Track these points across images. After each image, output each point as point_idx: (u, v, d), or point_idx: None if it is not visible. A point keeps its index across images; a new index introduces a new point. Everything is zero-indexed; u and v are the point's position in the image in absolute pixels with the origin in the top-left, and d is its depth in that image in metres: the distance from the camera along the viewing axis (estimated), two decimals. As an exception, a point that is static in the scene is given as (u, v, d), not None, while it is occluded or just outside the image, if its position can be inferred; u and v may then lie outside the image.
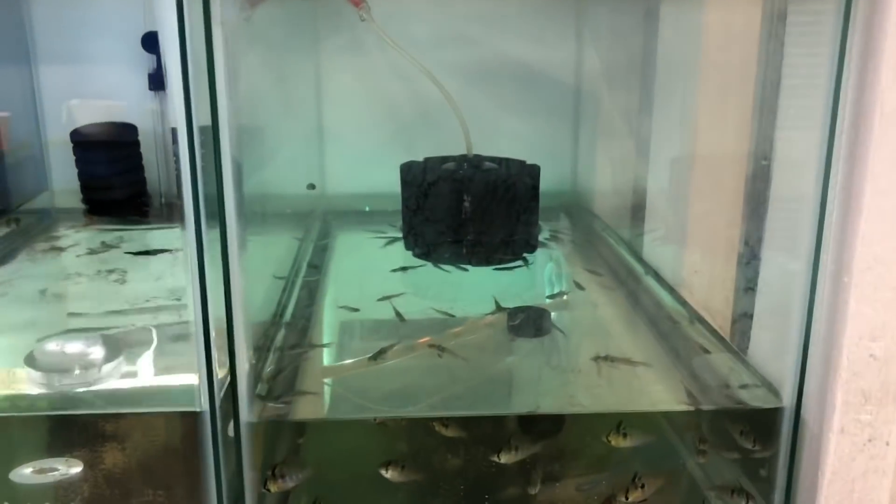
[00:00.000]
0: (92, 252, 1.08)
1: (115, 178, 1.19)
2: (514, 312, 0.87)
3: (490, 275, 1.02)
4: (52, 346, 0.81)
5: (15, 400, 0.73)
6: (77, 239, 1.13)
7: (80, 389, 0.75)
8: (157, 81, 1.21)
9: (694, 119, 0.89)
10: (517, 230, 1.06)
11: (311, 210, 1.23)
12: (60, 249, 1.09)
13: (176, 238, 1.13)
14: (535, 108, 1.27)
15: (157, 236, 1.16)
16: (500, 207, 1.05)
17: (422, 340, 0.82)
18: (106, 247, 1.10)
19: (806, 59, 0.67)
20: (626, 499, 0.63)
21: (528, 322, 0.85)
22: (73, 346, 0.81)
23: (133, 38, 1.19)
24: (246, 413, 0.61)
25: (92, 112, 1.23)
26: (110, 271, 1.01)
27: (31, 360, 0.78)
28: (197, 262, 0.58)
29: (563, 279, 1.02)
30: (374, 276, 1.04)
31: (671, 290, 0.90)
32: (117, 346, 0.81)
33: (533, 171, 1.07)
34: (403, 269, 1.04)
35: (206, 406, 0.59)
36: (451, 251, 1.04)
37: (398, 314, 0.86)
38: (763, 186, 0.75)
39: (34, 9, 1.20)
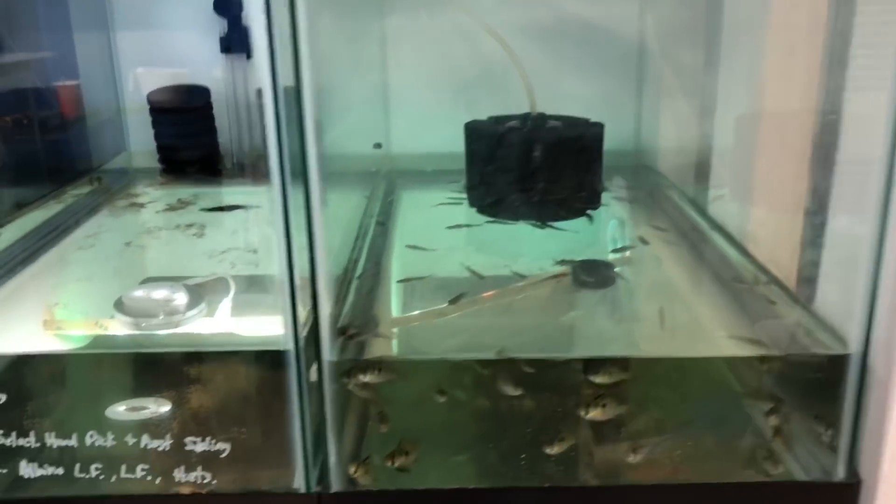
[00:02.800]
0: (170, 208, 1.13)
1: (190, 139, 1.23)
2: (579, 265, 0.88)
3: (553, 231, 1.03)
4: (139, 292, 0.86)
5: (106, 341, 0.77)
6: (155, 196, 1.18)
7: (164, 332, 0.80)
8: (228, 44, 1.25)
9: (761, 75, 0.89)
10: (581, 187, 1.08)
11: (377, 169, 1.26)
12: (140, 206, 1.14)
13: (248, 196, 1.18)
14: (597, 66, 1.27)
15: (229, 194, 1.20)
16: (564, 165, 1.06)
17: (488, 294, 0.85)
18: (182, 203, 1.15)
19: (878, 17, 0.67)
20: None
21: (594, 274, 0.87)
22: (159, 293, 0.86)
23: (205, 3, 1.23)
24: (328, 353, 0.64)
25: (158, 79, 1.27)
26: (189, 226, 1.05)
27: (119, 306, 0.83)
28: (283, 214, 0.61)
29: (626, 235, 1.04)
30: (438, 232, 1.06)
31: (737, 245, 0.91)
32: (200, 294, 0.86)
33: (597, 130, 1.09)
34: (465, 225, 1.07)
35: (291, 346, 0.63)
36: (516, 208, 1.06)
37: (475, 273, 0.88)
38: (831, 141, 0.75)
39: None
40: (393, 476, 0.66)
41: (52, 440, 0.63)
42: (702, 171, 1.06)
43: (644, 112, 1.26)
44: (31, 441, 0.63)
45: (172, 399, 0.69)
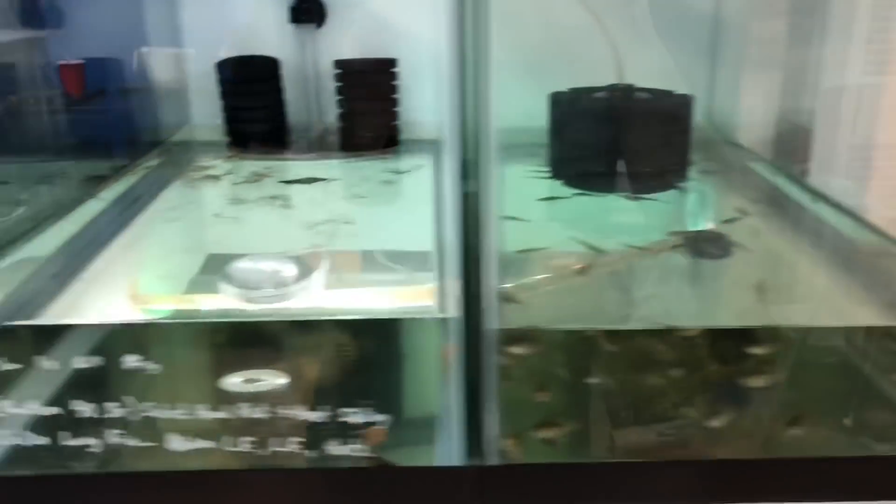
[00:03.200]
0: (247, 181, 1.10)
1: (259, 112, 1.20)
2: (695, 235, 0.87)
3: (644, 204, 1.02)
4: (246, 263, 0.83)
5: (220, 313, 0.75)
6: (227, 168, 1.15)
7: (277, 304, 0.78)
8: (298, 14, 1.21)
9: (884, 41, 0.87)
10: (671, 160, 1.06)
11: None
12: (216, 178, 1.11)
13: (319, 168, 1.15)
14: (667, 37, 1.25)
15: (300, 167, 1.17)
16: (655, 137, 1.04)
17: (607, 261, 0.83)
18: (258, 176, 1.12)
19: None
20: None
21: (712, 244, 0.85)
22: (267, 264, 0.84)
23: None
24: (489, 321, 0.62)
25: (165, 59, 1.24)
26: (272, 197, 1.03)
27: (227, 277, 0.81)
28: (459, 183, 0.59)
29: (722, 206, 1.02)
30: (526, 204, 1.04)
31: (851, 215, 0.89)
32: (307, 266, 0.83)
33: (686, 101, 1.07)
34: (556, 198, 1.05)
35: (452, 314, 0.61)
36: (606, 180, 1.04)
37: (593, 247, 0.86)
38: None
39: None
40: (542, 449, 0.64)
41: (204, 412, 0.60)
42: (795, 142, 1.05)
43: (719, 84, 1.24)
44: (180, 413, 0.61)
45: (319, 370, 0.67)
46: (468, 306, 0.63)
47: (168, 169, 1.15)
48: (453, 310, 0.61)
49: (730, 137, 1.21)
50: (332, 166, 1.19)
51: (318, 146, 1.25)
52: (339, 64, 1.20)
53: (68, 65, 1.12)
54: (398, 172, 1.15)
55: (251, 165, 1.17)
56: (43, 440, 0.61)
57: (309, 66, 1.23)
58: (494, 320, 0.61)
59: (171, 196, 1.05)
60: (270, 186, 1.08)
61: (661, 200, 1.03)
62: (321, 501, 0.63)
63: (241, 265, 0.83)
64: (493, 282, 0.61)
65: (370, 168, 1.18)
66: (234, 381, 0.73)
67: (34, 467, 0.61)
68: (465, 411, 0.62)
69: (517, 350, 0.62)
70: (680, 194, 1.04)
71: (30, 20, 1.18)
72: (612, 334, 0.64)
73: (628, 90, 1.08)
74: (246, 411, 0.61)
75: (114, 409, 0.60)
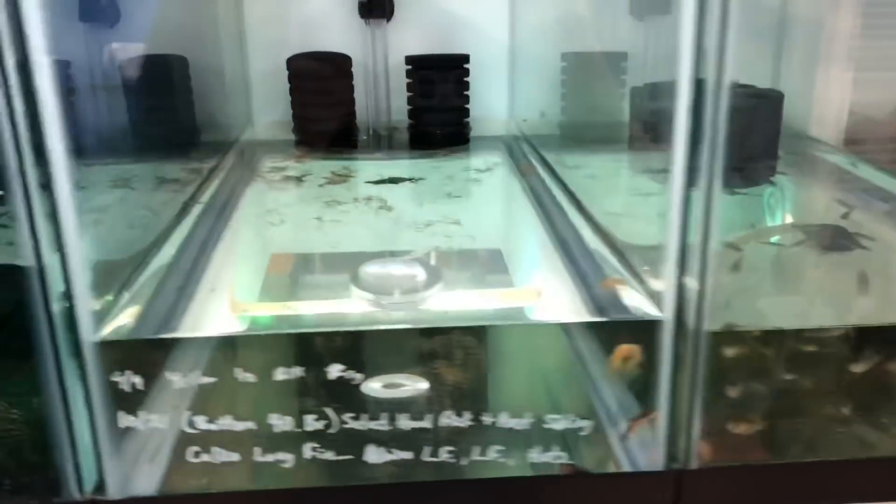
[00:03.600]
0: (330, 181, 1.07)
1: (331, 109, 1.17)
2: (819, 229, 0.87)
3: (740, 198, 1.01)
4: (375, 268, 0.81)
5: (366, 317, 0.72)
6: (303, 169, 1.12)
7: (411, 309, 0.75)
8: (368, 11, 1.19)
9: None
10: (763, 154, 1.06)
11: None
12: (297, 179, 1.08)
13: (394, 167, 1.13)
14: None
15: (375, 166, 1.15)
16: (749, 131, 1.04)
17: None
18: (340, 176, 1.09)
19: None
20: None
21: (837, 238, 0.85)
22: (397, 268, 0.81)
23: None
24: (706, 322, 0.60)
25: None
26: (367, 199, 1.00)
27: (356, 280, 0.78)
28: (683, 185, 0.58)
29: (816, 201, 1.03)
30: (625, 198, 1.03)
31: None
32: (435, 268, 0.81)
33: (778, 97, 1.07)
34: (649, 194, 1.04)
35: (669, 315, 0.59)
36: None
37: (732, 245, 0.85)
38: None
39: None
40: (741, 450, 0.63)
41: (404, 422, 0.58)
42: (870, 134, 1.06)
43: (785, 78, 1.25)
44: (381, 424, 0.58)
45: (516, 376, 0.64)
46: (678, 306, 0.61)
47: (242, 171, 1.11)
48: (668, 310, 0.60)
49: (803, 131, 1.21)
50: (406, 165, 1.16)
51: (386, 144, 1.23)
52: (412, 60, 1.18)
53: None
54: (479, 171, 1.13)
55: (324, 165, 1.14)
56: (234, 456, 0.57)
57: (378, 62, 1.20)
58: (704, 320, 0.59)
59: (258, 199, 1.01)
60: (357, 187, 1.05)
61: (753, 194, 1.03)
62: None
63: (371, 269, 0.81)
64: (710, 279, 0.60)
65: (448, 166, 1.16)
66: (373, 387, 0.71)
67: (223, 485, 0.58)
68: (668, 414, 0.60)
69: (725, 350, 0.61)
70: (772, 188, 1.04)
71: (87, 15, 1.12)
72: (815, 332, 0.63)
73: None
74: (446, 420, 0.58)
75: (312, 422, 0.57)
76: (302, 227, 0.91)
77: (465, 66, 1.18)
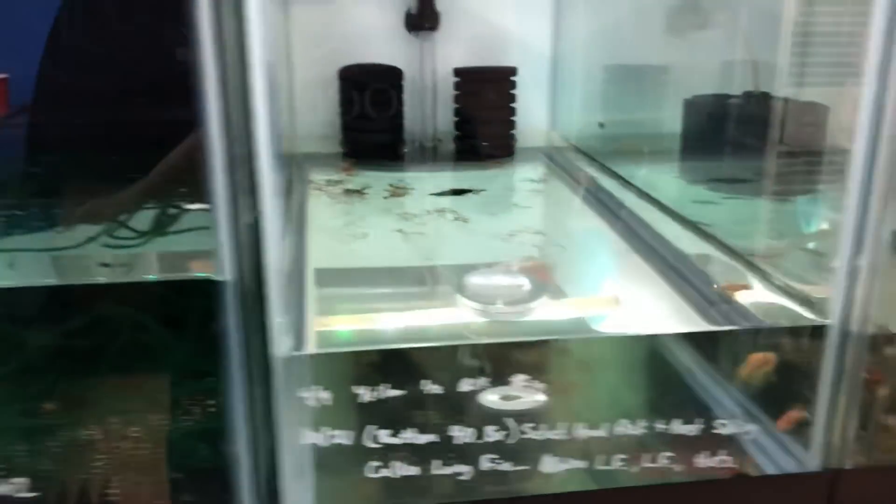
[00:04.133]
0: (394, 194, 1.07)
1: (382, 122, 1.16)
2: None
3: (790, 206, 1.05)
4: (480, 278, 0.81)
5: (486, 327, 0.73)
6: (358, 182, 1.11)
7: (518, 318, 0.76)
8: (414, 23, 1.19)
9: None
10: (809, 165, 1.10)
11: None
12: (358, 192, 1.07)
13: (446, 179, 1.13)
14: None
15: (427, 177, 1.15)
16: (796, 143, 1.08)
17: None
18: (401, 189, 1.09)
19: None
20: None
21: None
22: (502, 278, 0.82)
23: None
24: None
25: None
26: (439, 211, 1.00)
27: (463, 290, 0.78)
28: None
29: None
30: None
31: None
32: (538, 279, 0.82)
33: (821, 111, 1.11)
34: (708, 202, 1.06)
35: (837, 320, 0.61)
36: (746, 184, 1.07)
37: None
38: None
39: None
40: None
41: (581, 431, 0.58)
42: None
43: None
44: (560, 433, 0.58)
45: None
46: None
47: (296, 184, 1.09)
48: (834, 316, 0.61)
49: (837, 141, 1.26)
50: (456, 177, 1.17)
51: (431, 156, 1.23)
52: (460, 72, 1.18)
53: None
54: (534, 181, 1.14)
55: (376, 177, 1.13)
56: (414, 470, 0.57)
57: (425, 74, 1.20)
58: (868, 324, 0.61)
59: (323, 213, 1.00)
60: (423, 199, 1.05)
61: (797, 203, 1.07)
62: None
63: (475, 280, 0.81)
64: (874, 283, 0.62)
65: (501, 177, 1.17)
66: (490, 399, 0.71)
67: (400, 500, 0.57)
68: (825, 416, 0.62)
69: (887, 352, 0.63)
70: (816, 199, 1.08)
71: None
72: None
73: (764, 97, 1.11)
74: (621, 429, 0.59)
75: (492, 433, 0.57)
76: (387, 239, 0.91)
77: (513, 78, 1.19)
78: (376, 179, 1.12)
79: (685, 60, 1.20)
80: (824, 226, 1.01)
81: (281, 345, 0.54)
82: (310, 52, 1.20)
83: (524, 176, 1.16)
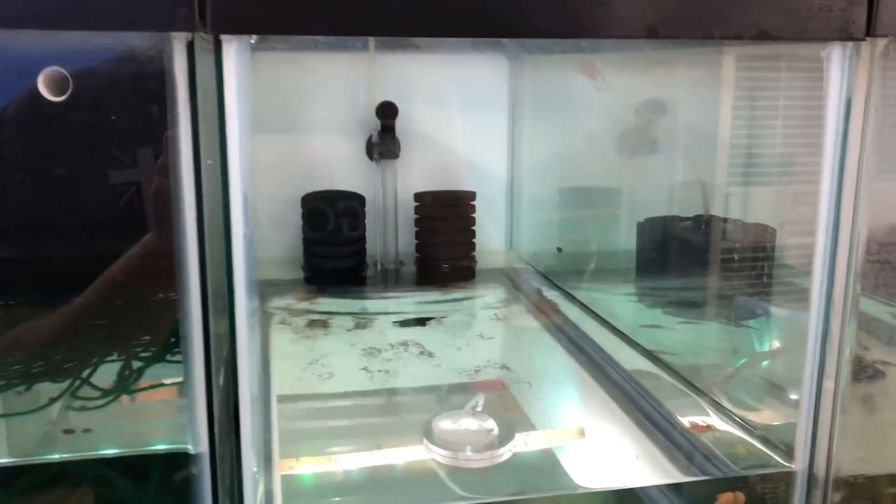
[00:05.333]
0: (358, 325, 1.07)
1: (344, 247, 1.18)
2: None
3: (743, 331, 1.08)
4: (447, 423, 0.82)
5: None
6: (323, 309, 1.12)
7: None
8: (375, 151, 1.22)
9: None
10: (762, 288, 1.14)
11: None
12: (322, 324, 1.07)
13: (411, 305, 1.14)
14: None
15: (391, 304, 1.16)
16: (747, 267, 1.12)
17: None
18: (366, 318, 1.09)
19: None
20: None
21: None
22: (470, 423, 0.82)
23: (350, 107, 1.21)
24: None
25: None
26: (403, 344, 1.01)
27: (429, 436, 0.79)
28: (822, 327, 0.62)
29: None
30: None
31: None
32: (507, 422, 0.82)
33: (769, 234, 1.15)
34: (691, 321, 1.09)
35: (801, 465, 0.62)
36: (699, 307, 1.10)
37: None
38: None
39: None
40: None
41: None
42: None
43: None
44: None
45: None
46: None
47: (261, 314, 1.09)
48: (800, 461, 0.63)
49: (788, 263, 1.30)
50: (419, 302, 1.18)
51: (394, 279, 1.24)
52: (419, 197, 1.21)
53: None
54: (495, 307, 1.15)
55: (339, 304, 1.14)
56: None
57: (387, 199, 1.22)
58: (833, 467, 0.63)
59: (290, 349, 1.00)
60: (387, 331, 1.05)
61: (754, 327, 1.10)
62: None
63: (442, 425, 0.81)
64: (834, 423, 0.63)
65: (463, 302, 1.18)
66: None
67: None
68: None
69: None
70: (769, 322, 1.12)
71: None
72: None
73: (715, 220, 1.15)
74: None
75: None
76: (353, 378, 0.91)
77: (473, 202, 1.22)
78: (339, 306, 1.13)
79: (638, 183, 1.24)
80: (776, 346, 1.04)
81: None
82: (273, 178, 1.21)
83: (485, 301, 1.18)
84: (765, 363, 0.99)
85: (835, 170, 0.60)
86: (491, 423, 0.82)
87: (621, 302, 1.15)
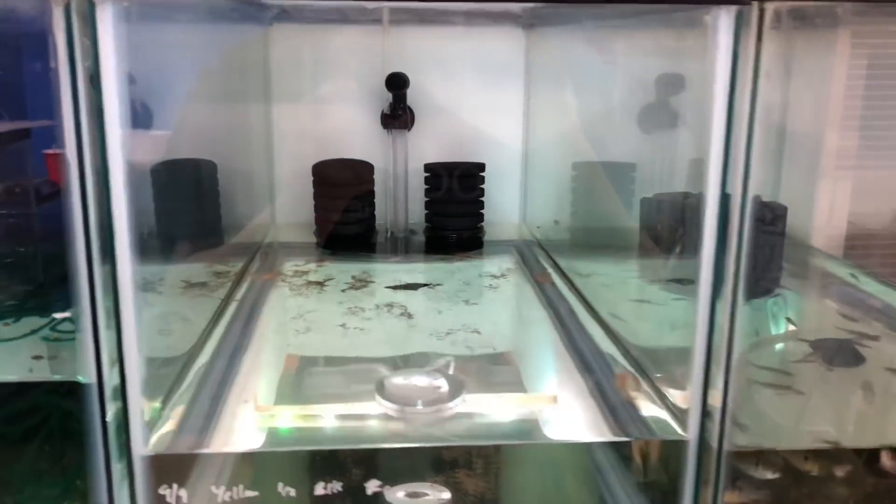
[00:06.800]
0: (352, 287, 1.11)
1: (353, 213, 1.22)
2: (826, 343, 0.90)
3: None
4: (399, 379, 0.84)
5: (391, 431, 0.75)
6: (325, 273, 1.16)
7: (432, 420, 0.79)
8: (389, 121, 1.25)
9: None
10: (771, 266, 1.10)
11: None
12: (319, 284, 1.12)
13: (413, 272, 1.17)
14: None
15: (394, 270, 1.19)
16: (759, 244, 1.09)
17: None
18: (360, 282, 1.13)
19: None
20: None
21: (842, 352, 0.89)
22: (421, 380, 0.85)
23: (365, 78, 1.24)
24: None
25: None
26: (388, 305, 1.04)
27: (381, 390, 0.81)
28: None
29: (824, 314, 1.06)
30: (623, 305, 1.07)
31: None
32: (458, 380, 0.84)
33: (782, 209, 1.12)
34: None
35: (693, 435, 0.62)
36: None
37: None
38: None
39: (272, 50, 1.24)
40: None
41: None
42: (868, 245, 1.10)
43: (787, 191, 1.30)
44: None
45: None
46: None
47: (266, 274, 1.15)
48: (692, 431, 0.63)
49: (804, 241, 1.26)
50: (423, 269, 1.20)
51: (403, 248, 1.27)
52: (430, 168, 1.23)
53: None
54: (494, 276, 1.17)
55: (345, 269, 1.18)
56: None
57: (398, 168, 1.25)
58: (729, 440, 0.62)
59: (282, 304, 1.05)
60: (378, 293, 1.09)
61: (754, 307, 1.07)
62: None
63: (395, 381, 0.84)
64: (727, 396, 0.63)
65: (463, 271, 1.20)
66: (398, 496, 0.74)
67: None
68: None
69: (755, 474, 0.64)
70: (779, 301, 1.08)
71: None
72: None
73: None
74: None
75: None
76: (327, 334, 0.95)
77: (482, 173, 1.24)
78: (343, 271, 1.17)
79: (653, 158, 1.23)
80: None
81: (141, 444, 0.58)
82: (290, 147, 1.27)
83: (486, 271, 1.19)
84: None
85: (722, 139, 0.59)
86: (441, 381, 0.84)
87: (621, 276, 1.14)
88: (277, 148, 1.27)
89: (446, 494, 0.74)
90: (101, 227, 0.56)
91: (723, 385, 0.62)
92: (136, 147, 0.63)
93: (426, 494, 0.74)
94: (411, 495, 0.74)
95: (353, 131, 1.27)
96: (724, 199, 0.61)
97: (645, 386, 0.79)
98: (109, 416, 0.57)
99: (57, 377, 0.64)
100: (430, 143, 1.27)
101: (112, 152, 0.55)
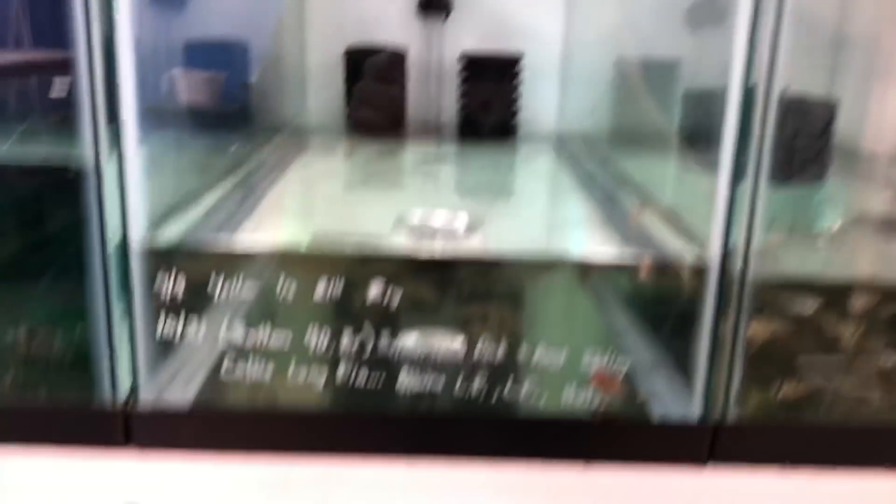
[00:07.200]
0: (376, 159, 1.10)
1: (383, 101, 1.19)
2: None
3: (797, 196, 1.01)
4: (421, 214, 0.82)
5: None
6: (354, 149, 1.15)
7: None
8: (426, 6, 1.22)
9: None
10: (816, 156, 1.06)
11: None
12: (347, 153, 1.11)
13: (445, 155, 1.15)
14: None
15: (425, 152, 1.17)
16: (803, 135, 1.05)
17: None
18: (388, 155, 1.12)
19: None
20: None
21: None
22: (441, 215, 0.82)
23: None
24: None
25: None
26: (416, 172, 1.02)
27: (401, 225, 0.79)
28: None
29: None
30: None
31: None
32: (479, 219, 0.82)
33: (830, 103, 1.07)
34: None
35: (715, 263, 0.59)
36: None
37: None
38: None
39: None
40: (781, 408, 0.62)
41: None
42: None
43: (841, 91, 1.24)
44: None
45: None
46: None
47: (293, 148, 1.14)
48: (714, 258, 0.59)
49: (856, 144, 1.20)
50: (452, 152, 1.18)
51: (434, 134, 1.25)
52: (465, 58, 1.20)
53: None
54: (528, 160, 1.14)
55: (374, 148, 1.16)
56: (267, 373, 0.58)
57: (432, 57, 1.22)
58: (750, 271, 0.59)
59: (309, 165, 1.03)
60: (399, 162, 1.07)
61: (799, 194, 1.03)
62: (541, 451, 0.60)
63: (417, 214, 0.82)
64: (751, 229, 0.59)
65: (497, 154, 1.17)
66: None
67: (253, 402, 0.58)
68: (707, 366, 0.59)
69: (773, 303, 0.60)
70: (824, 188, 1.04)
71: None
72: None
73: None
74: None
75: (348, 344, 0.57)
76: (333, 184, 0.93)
77: (518, 66, 1.20)
78: (372, 150, 1.15)
79: (697, 54, 1.18)
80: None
81: (139, 236, 0.57)
82: (323, 31, 1.24)
83: (520, 155, 1.17)
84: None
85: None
86: (462, 216, 0.82)
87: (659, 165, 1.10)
88: (310, 31, 1.25)
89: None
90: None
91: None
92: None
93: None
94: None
95: (388, 17, 1.24)
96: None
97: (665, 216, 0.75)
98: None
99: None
100: (467, 31, 1.24)
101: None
